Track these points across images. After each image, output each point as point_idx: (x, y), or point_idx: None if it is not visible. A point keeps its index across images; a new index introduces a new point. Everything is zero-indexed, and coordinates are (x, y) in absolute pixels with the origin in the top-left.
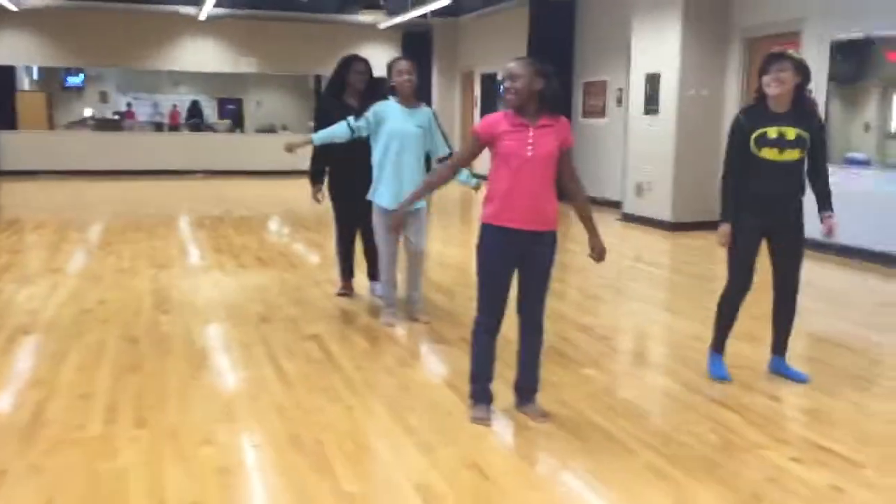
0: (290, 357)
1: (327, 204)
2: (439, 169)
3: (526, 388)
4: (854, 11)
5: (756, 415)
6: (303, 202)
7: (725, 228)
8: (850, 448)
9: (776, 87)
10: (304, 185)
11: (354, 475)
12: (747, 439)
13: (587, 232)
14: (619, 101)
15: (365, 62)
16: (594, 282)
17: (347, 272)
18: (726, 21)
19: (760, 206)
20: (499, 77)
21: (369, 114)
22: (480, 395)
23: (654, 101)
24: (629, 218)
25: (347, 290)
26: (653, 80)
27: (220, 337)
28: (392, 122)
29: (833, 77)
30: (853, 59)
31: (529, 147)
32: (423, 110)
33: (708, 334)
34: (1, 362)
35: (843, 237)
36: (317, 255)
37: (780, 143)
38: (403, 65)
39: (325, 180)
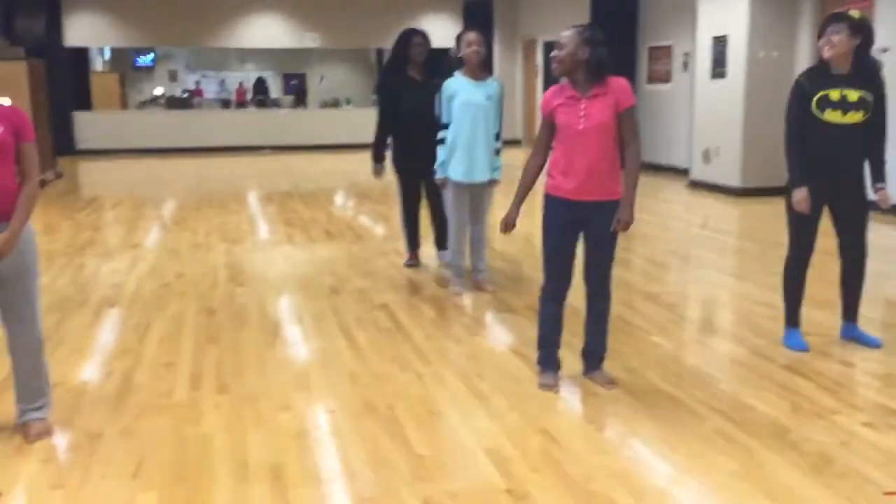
0: (360, 327)
1: (391, 176)
2: (528, 164)
3: (593, 355)
4: None
5: (828, 380)
6: (367, 175)
7: (802, 193)
8: None
9: (829, 49)
10: (367, 158)
11: (426, 439)
12: (819, 404)
13: (622, 196)
14: (686, 66)
15: (422, 34)
16: (660, 249)
17: (414, 243)
18: None
19: (823, 170)
20: None
21: (442, 95)
22: (548, 361)
23: (721, 64)
24: (697, 184)
25: (414, 260)
26: (720, 43)
27: (293, 308)
28: (461, 96)
29: None
30: None
31: (581, 119)
32: (492, 82)
33: (777, 300)
34: (90, 333)
35: None
36: (382, 226)
37: (844, 105)
38: (472, 36)
39: (388, 154)
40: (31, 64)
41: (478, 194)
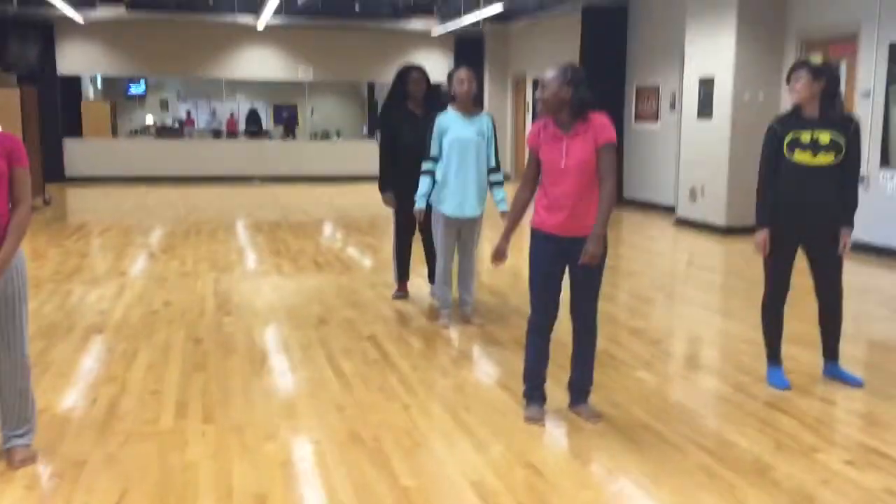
0: (347, 357)
1: (380, 209)
2: (516, 197)
3: (580, 389)
4: None
5: (810, 418)
6: (356, 207)
7: (763, 234)
8: None
9: (794, 94)
10: (357, 189)
11: (411, 470)
12: (801, 442)
13: (592, 229)
14: (672, 106)
15: (420, 70)
16: (646, 285)
17: (404, 275)
18: (782, 24)
19: (796, 212)
20: None
21: (434, 132)
22: (533, 394)
23: (707, 105)
24: (682, 222)
25: (403, 291)
26: (706, 84)
27: (281, 338)
28: (452, 132)
29: (892, 80)
30: None
31: (563, 158)
32: (483, 117)
33: (761, 338)
34: (76, 360)
35: None
36: (370, 258)
37: (814, 146)
38: (463, 73)
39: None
40: (24, 91)
41: (468, 228)
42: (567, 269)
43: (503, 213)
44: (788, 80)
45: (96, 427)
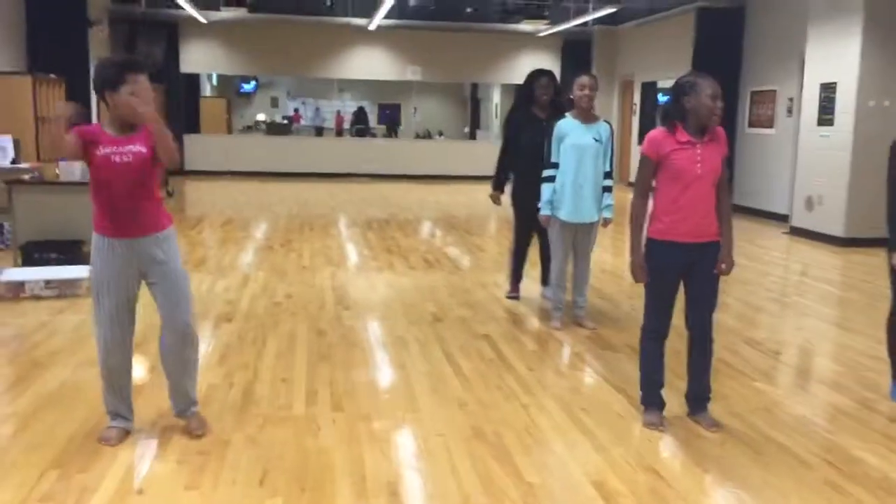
0: (464, 355)
1: (487, 209)
2: (634, 206)
3: (698, 398)
4: None
5: None
6: (460, 206)
7: None
8: None
9: None
10: (459, 189)
11: (534, 468)
12: None
13: (723, 241)
14: (790, 112)
15: (548, 75)
16: (760, 295)
17: (518, 276)
18: None
19: None
20: (662, 91)
21: (553, 139)
22: (652, 400)
23: (828, 111)
24: (797, 231)
25: (516, 292)
26: (828, 90)
27: (399, 333)
28: (570, 138)
29: None
30: None
31: (699, 164)
32: (602, 124)
33: (883, 352)
34: (212, 345)
35: None
36: (479, 258)
37: None
38: (585, 80)
39: (508, 188)
40: (153, 88)
41: (584, 233)
42: (685, 278)
43: (606, 221)
44: None
45: (235, 410)
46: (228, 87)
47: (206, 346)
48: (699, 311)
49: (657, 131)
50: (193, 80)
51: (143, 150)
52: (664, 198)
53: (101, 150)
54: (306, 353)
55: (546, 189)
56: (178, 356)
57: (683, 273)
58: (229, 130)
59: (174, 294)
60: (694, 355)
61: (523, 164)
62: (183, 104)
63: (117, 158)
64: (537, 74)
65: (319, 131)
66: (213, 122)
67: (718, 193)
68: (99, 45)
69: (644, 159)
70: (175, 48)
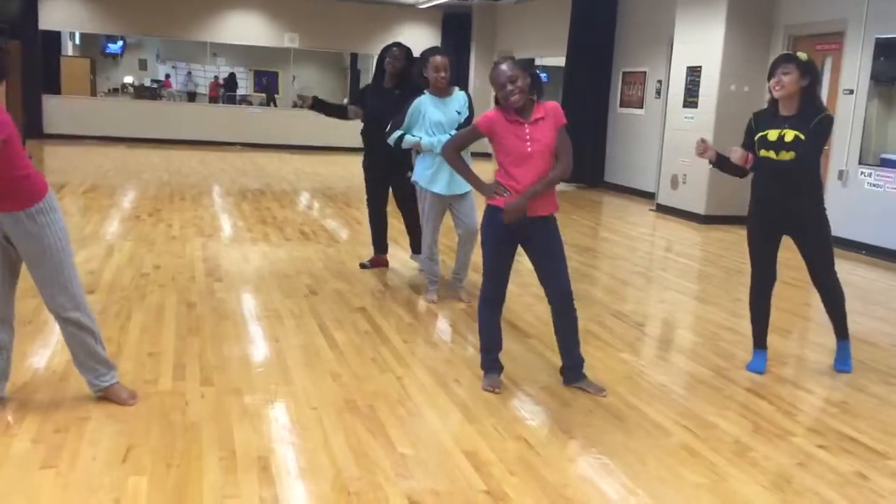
0: (339, 328)
1: (363, 182)
2: (454, 151)
3: (574, 367)
4: None
5: (787, 404)
6: (337, 178)
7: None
8: (875, 439)
9: (779, 89)
10: (337, 160)
11: (407, 439)
12: (778, 426)
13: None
14: (658, 93)
15: (398, 47)
16: (627, 269)
17: (381, 245)
18: (771, 18)
19: (771, 204)
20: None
21: (408, 115)
22: (490, 364)
23: (693, 93)
24: (662, 209)
25: (381, 263)
26: (694, 73)
27: (272, 306)
28: (431, 115)
29: (875, 77)
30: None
31: (528, 143)
32: (457, 96)
33: (739, 325)
34: None
35: (876, 238)
36: (357, 231)
37: (778, 145)
38: (438, 60)
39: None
40: (7, 44)
41: (460, 203)
42: (528, 253)
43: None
44: (772, 74)
45: None
46: (93, 46)
47: None
48: (551, 283)
49: (491, 111)
50: (54, 36)
51: None
52: (499, 171)
53: None
54: (174, 326)
55: (394, 136)
56: None
57: (517, 243)
58: (93, 93)
59: None
60: (558, 326)
61: (369, 132)
62: (41, 62)
63: None
64: (388, 47)
65: (192, 97)
66: (75, 83)
67: (559, 155)
68: None
69: (475, 126)
70: (34, 3)
